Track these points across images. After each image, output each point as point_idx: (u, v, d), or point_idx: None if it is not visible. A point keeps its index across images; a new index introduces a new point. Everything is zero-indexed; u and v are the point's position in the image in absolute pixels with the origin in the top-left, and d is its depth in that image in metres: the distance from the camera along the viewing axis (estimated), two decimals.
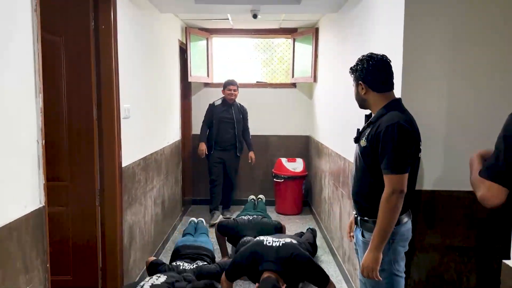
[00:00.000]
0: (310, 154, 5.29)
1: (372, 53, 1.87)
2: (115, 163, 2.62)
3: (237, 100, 4.91)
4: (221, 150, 4.80)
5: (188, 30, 5.00)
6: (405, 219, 1.84)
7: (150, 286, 2.35)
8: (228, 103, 4.82)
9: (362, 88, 1.86)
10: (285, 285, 2.38)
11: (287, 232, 3.92)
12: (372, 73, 1.82)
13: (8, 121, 1.48)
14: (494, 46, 2.07)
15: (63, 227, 2.59)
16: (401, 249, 1.84)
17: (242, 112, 4.92)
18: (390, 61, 1.86)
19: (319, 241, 4.04)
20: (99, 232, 2.64)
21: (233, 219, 3.73)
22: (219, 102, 4.86)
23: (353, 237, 2.05)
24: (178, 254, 3.06)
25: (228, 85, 4.78)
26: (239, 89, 4.83)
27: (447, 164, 2.13)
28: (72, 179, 2.58)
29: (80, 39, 2.50)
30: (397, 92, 2.03)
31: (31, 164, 1.62)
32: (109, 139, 2.60)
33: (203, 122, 4.90)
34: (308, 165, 5.23)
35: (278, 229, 3.56)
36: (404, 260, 1.87)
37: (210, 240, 3.58)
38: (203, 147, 4.78)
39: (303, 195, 5.21)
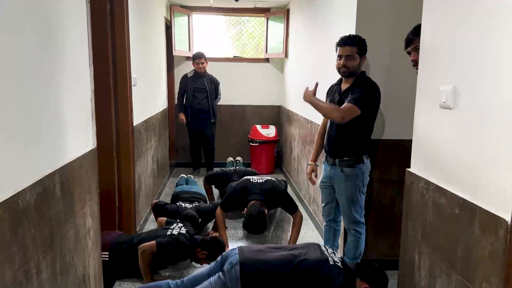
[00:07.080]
0: (282, 122, 6.03)
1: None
2: (128, 122, 3.23)
3: (214, 73, 5.51)
4: (198, 118, 5.39)
5: (172, 8, 5.50)
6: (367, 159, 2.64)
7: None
8: (199, 74, 5.37)
9: (363, 60, 2.58)
10: (266, 209, 3.14)
11: None
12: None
13: (84, 86, 2.07)
14: None
15: None
16: (367, 178, 2.67)
17: (214, 83, 5.50)
18: None
19: (289, 193, 4.83)
20: (116, 178, 3.26)
21: (220, 169, 4.50)
22: (191, 74, 5.44)
23: (315, 182, 2.88)
24: (178, 197, 3.76)
25: (196, 59, 5.31)
26: (216, 62, 5.42)
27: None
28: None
29: (98, 20, 3.03)
30: None
31: (87, 116, 2.22)
32: (123, 103, 3.19)
33: (178, 93, 5.50)
34: (279, 131, 5.98)
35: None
36: None
37: (201, 189, 4.29)
38: (182, 116, 5.41)
39: (275, 158, 5.98)
